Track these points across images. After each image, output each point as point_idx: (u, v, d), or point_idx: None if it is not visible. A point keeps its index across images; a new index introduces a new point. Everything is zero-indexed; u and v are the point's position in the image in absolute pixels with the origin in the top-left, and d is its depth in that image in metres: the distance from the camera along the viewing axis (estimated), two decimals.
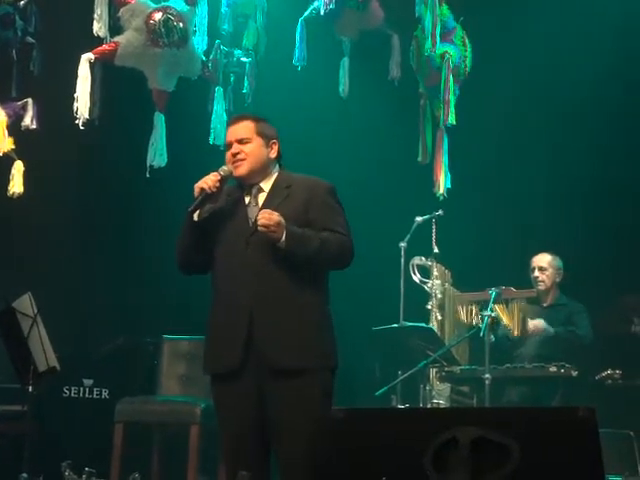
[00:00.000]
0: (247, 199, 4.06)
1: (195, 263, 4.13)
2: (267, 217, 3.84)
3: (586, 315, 6.57)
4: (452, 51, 6.35)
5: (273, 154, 4.09)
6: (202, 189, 3.96)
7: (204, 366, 4.12)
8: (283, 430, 3.89)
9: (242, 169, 4.03)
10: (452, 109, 6.25)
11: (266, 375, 3.89)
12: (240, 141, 4.05)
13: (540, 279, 6.62)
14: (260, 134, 4.07)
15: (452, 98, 6.26)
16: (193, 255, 4.10)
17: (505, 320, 6.25)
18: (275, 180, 4.08)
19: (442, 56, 6.32)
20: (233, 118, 4.22)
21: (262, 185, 4.06)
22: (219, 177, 3.98)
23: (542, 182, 7.28)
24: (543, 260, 6.65)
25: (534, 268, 6.65)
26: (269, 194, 4.04)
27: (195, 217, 4.00)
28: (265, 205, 4.00)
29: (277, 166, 4.13)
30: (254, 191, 4.06)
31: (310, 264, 3.93)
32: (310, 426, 3.79)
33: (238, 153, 4.03)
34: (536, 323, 6.40)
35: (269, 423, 3.92)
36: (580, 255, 6.90)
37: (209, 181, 3.96)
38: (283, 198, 3.99)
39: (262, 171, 4.06)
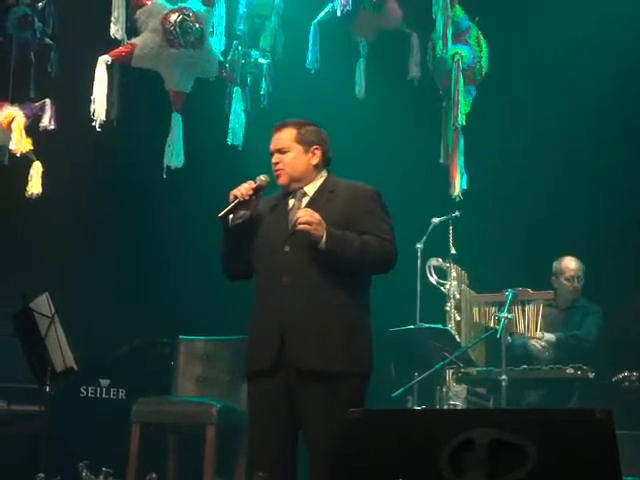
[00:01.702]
0: (291, 203, 4.12)
1: (236, 269, 4.21)
2: (309, 214, 3.88)
3: (596, 317, 6.55)
4: (463, 52, 6.33)
5: (315, 160, 4.13)
6: (235, 196, 4.02)
7: (243, 366, 4.20)
8: (310, 432, 3.94)
9: (282, 179, 4.12)
10: (462, 110, 6.24)
11: (296, 376, 3.92)
12: (280, 150, 4.12)
13: (578, 288, 6.61)
14: (300, 142, 4.12)
15: (462, 99, 6.24)
16: (232, 261, 4.18)
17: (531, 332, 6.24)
18: (320, 185, 4.13)
19: (452, 57, 6.31)
20: (276, 126, 4.22)
21: (306, 190, 4.12)
22: (254, 185, 4.05)
23: (559, 183, 7.25)
24: (577, 267, 6.62)
25: (572, 277, 6.61)
26: (312, 198, 4.09)
27: (229, 223, 4.06)
28: (307, 207, 4.04)
29: (324, 171, 4.17)
30: (298, 195, 4.12)
31: (350, 267, 3.95)
32: (332, 429, 3.79)
33: (278, 163, 4.10)
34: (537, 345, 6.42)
35: (301, 422, 3.96)
36: (597, 256, 6.88)
37: (242, 189, 4.04)
38: (325, 202, 4.03)
39: (303, 178, 4.12)
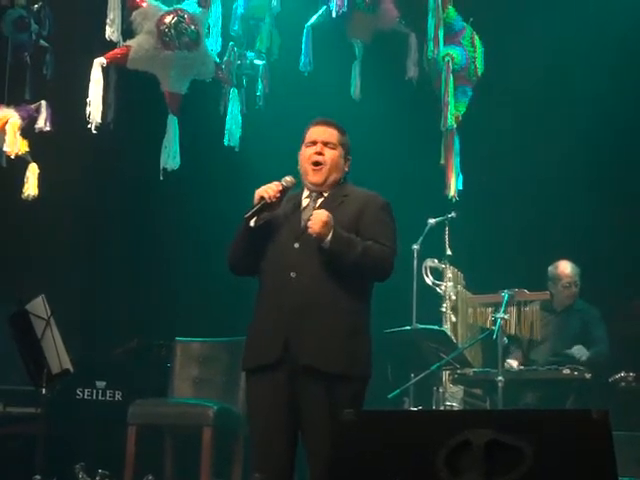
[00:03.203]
0: (305, 202, 4.13)
1: (244, 265, 4.17)
2: (315, 218, 3.91)
3: (602, 323, 6.54)
4: (455, 53, 6.30)
5: (347, 168, 4.19)
6: (262, 197, 4.00)
7: (243, 361, 4.15)
8: (309, 429, 3.94)
9: (318, 177, 4.11)
10: (451, 111, 6.21)
11: (300, 375, 3.92)
12: (326, 144, 4.12)
13: (575, 293, 6.60)
14: (343, 145, 4.16)
15: (451, 100, 6.22)
16: (245, 258, 4.14)
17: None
18: (336, 189, 4.15)
19: (443, 58, 6.30)
20: (321, 120, 4.22)
21: (323, 192, 4.14)
22: (281, 187, 4.03)
23: (556, 184, 7.26)
24: (573, 273, 6.61)
25: (568, 284, 6.61)
26: (326, 199, 4.11)
27: (252, 223, 4.03)
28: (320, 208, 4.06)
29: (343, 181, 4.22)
30: (314, 195, 4.13)
31: (350, 269, 3.97)
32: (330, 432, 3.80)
33: (321, 154, 4.09)
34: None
35: (300, 421, 3.96)
36: (594, 257, 6.88)
37: (270, 190, 4.00)
38: (338, 204, 4.06)
39: (334, 180, 4.14)
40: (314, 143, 4.13)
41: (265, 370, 3.97)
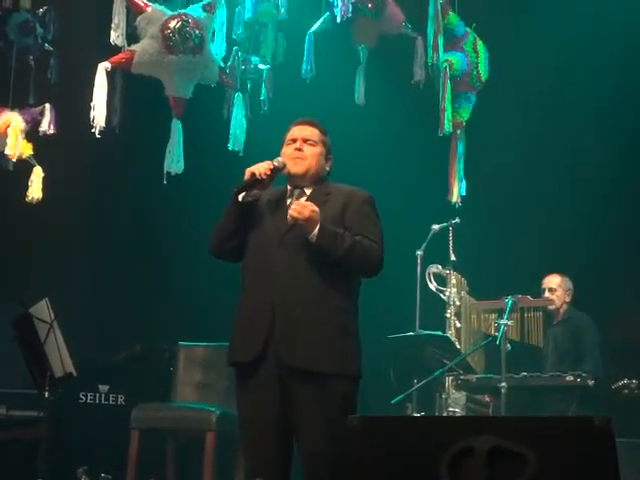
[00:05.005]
0: (289, 201, 4.12)
1: (227, 248, 4.17)
2: (298, 210, 3.91)
3: (594, 332, 6.53)
4: (454, 59, 6.29)
5: (328, 167, 4.22)
6: (253, 173, 4.02)
7: (228, 356, 4.13)
8: (302, 430, 3.91)
9: (299, 167, 4.12)
10: (448, 117, 6.20)
11: (286, 373, 3.90)
12: (306, 140, 4.15)
13: (551, 300, 6.63)
14: (324, 144, 4.20)
15: (448, 106, 6.21)
16: (229, 238, 4.14)
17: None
18: (319, 187, 4.16)
19: (441, 65, 6.29)
20: (303, 119, 4.26)
21: (305, 190, 4.14)
22: (272, 166, 4.05)
23: (560, 189, 7.25)
24: (553, 282, 6.68)
25: (544, 289, 6.67)
26: (309, 197, 4.10)
27: (240, 198, 4.05)
28: None
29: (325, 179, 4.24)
30: (296, 193, 4.13)
31: (338, 265, 3.95)
32: (326, 430, 3.80)
33: (301, 150, 4.12)
34: None
35: (293, 423, 3.93)
36: (597, 263, 6.87)
37: (261, 167, 4.04)
38: (321, 203, 4.04)
39: (314, 177, 4.15)
40: (294, 141, 4.16)
41: (249, 368, 3.94)
